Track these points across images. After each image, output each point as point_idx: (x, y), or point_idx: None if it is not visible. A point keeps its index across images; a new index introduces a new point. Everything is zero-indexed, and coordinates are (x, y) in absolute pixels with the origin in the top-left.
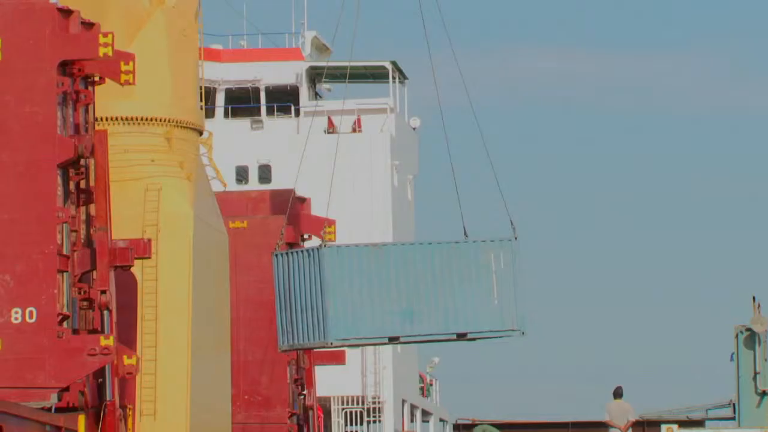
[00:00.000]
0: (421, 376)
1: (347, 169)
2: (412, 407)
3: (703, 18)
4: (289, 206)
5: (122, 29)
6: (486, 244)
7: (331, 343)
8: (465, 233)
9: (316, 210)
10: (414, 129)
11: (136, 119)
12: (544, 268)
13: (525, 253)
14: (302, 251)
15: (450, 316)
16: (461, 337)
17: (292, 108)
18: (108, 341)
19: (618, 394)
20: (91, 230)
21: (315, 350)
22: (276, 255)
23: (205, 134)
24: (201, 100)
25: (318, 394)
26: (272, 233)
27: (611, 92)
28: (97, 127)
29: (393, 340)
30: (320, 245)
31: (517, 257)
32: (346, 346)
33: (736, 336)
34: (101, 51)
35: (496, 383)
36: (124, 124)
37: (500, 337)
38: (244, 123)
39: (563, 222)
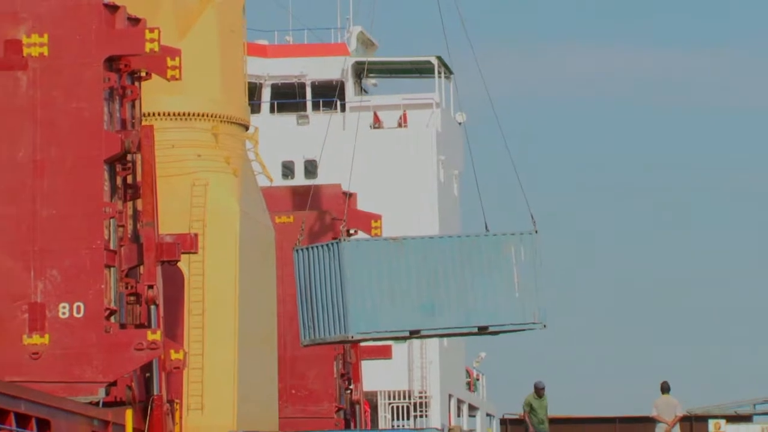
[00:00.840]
0: (467, 371)
1: (393, 165)
2: (459, 402)
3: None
4: (309, 202)
5: (173, 26)
6: (506, 237)
7: (352, 337)
8: (486, 227)
9: (363, 205)
10: (460, 124)
11: (183, 114)
12: (589, 262)
13: (571, 247)
14: (322, 246)
15: (471, 309)
16: (482, 330)
17: (338, 103)
18: (155, 336)
19: (665, 389)
20: (138, 225)
21: (361, 345)
22: (296, 250)
23: (251, 129)
24: (246, 96)
25: (365, 389)
26: (318, 228)
27: (652, 87)
28: (143, 123)
29: (414, 333)
30: (339, 239)
31: (538, 250)
32: (367, 340)
33: None
34: (147, 46)
35: (542, 378)
36: (170, 119)
37: (522, 330)
38: (289, 118)
39: (606, 215)
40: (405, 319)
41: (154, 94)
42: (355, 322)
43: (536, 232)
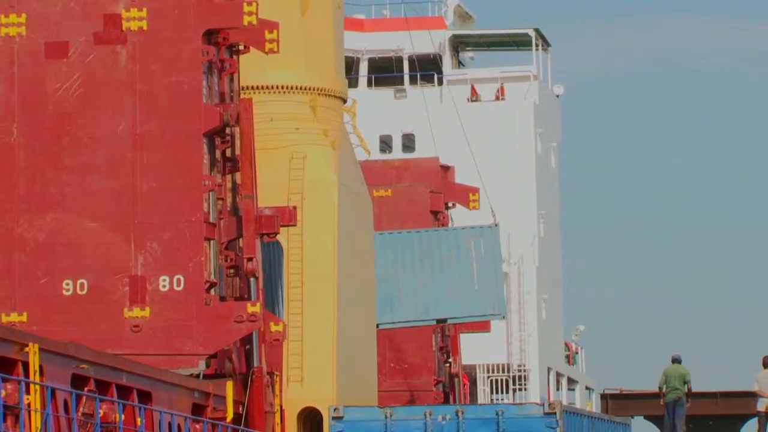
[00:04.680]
0: (566, 344)
1: (491, 138)
2: (558, 375)
3: None
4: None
5: (297, 2)
6: (466, 231)
7: None
8: (451, 219)
9: (461, 178)
10: (557, 96)
11: (281, 88)
12: (704, 241)
13: (681, 220)
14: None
15: (430, 302)
16: (441, 322)
17: (435, 77)
18: (255, 308)
19: (767, 363)
20: (237, 198)
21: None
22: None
23: (349, 102)
24: (343, 69)
25: (463, 362)
26: (416, 201)
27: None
28: (242, 96)
29: None
30: None
31: (497, 243)
32: None
33: None
34: (245, 20)
35: (644, 352)
36: (269, 92)
37: (480, 321)
38: (387, 92)
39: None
40: None
41: (252, 67)
42: None
43: (496, 225)
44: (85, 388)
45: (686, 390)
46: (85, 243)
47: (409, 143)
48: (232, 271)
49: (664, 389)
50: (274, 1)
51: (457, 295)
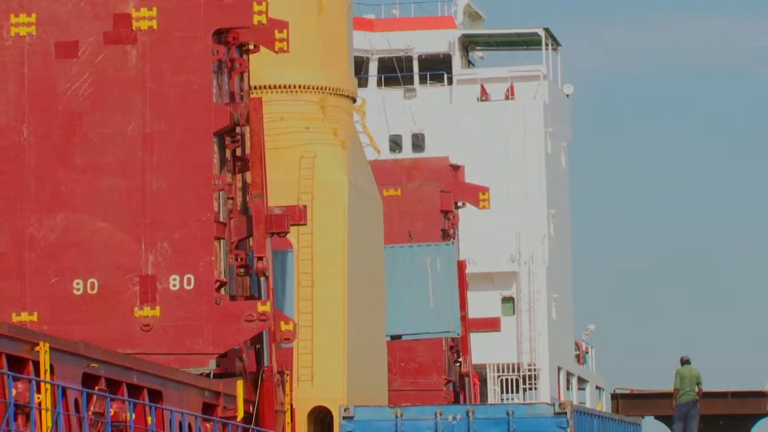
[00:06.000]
0: (576, 344)
1: (501, 137)
2: (568, 375)
3: None
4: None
5: (314, 2)
6: (422, 248)
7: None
8: (410, 236)
9: (471, 178)
10: (567, 96)
11: (291, 87)
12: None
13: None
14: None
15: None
16: (395, 338)
17: (445, 76)
18: (265, 307)
19: None
20: (247, 197)
21: (469, 317)
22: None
23: (359, 101)
24: (353, 68)
25: (474, 362)
26: (426, 201)
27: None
28: (252, 95)
29: None
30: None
31: (453, 261)
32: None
33: None
34: (255, 19)
35: (654, 351)
36: (278, 92)
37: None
38: (397, 92)
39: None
40: None
41: (261, 67)
42: None
43: (452, 242)
44: (96, 387)
45: (697, 391)
46: (95, 242)
47: (418, 143)
48: (242, 270)
49: (680, 391)
50: (292, 1)
51: (412, 311)
